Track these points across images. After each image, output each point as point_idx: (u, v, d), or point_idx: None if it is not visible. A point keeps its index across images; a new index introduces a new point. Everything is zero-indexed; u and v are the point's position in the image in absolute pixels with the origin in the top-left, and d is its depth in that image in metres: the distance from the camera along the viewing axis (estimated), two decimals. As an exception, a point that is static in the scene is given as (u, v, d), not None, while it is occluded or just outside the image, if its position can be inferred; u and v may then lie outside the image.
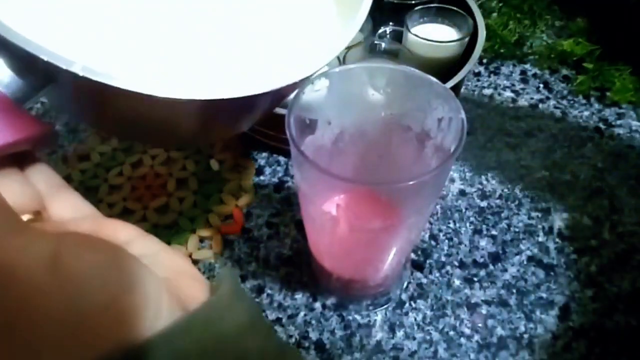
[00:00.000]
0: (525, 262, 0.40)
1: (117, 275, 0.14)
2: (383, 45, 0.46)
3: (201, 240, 0.41)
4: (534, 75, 0.56)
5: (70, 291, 0.12)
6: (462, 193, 0.45)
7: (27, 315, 0.12)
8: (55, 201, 0.19)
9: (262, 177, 0.46)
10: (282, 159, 0.47)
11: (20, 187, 0.18)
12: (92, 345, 0.13)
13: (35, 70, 0.16)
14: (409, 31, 0.47)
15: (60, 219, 0.19)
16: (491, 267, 0.39)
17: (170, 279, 0.17)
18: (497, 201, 0.44)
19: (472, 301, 0.37)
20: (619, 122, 0.50)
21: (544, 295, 0.38)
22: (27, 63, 0.16)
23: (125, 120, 0.20)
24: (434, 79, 0.26)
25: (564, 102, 0.53)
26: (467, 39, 0.46)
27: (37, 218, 0.18)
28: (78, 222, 0.18)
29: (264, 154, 0.48)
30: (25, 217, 0.18)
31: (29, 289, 0.12)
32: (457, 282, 0.38)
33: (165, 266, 0.17)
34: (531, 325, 0.36)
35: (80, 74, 0.15)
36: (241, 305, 0.18)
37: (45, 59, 0.14)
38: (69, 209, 0.19)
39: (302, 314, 0.37)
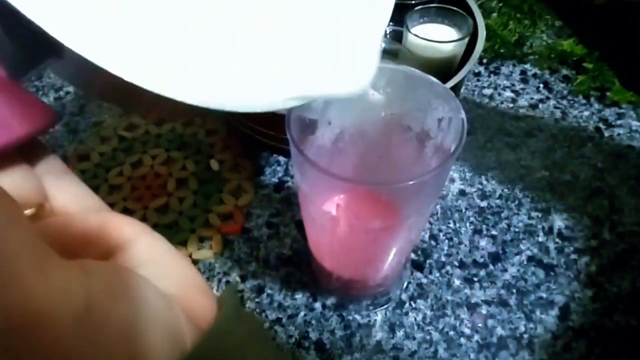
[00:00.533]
0: (525, 262, 0.40)
1: (146, 327, 0.13)
2: (383, 45, 0.46)
3: (201, 240, 0.41)
4: (534, 75, 0.56)
5: (98, 344, 0.12)
6: (462, 193, 0.45)
7: None
8: (58, 191, 0.18)
9: (262, 177, 0.46)
10: (282, 159, 0.47)
11: (23, 181, 0.17)
12: None
13: (38, 41, 0.16)
14: (409, 31, 0.47)
15: (64, 210, 0.18)
16: (491, 267, 0.39)
17: (181, 297, 0.17)
18: (497, 201, 0.44)
19: (472, 301, 0.37)
20: (619, 122, 0.50)
21: (544, 295, 0.38)
22: (29, 32, 0.15)
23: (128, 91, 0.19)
24: (434, 79, 0.26)
25: (564, 102, 0.53)
26: (467, 39, 0.46)
27: (39, 211, 0.18)
28: (84, 218, 0.17)
29: (264, 154, 0.48)
30: (28, 211, 0.17)
31: (56, 340, 0.11)
32: (457, 282, 0.38)
33: (174, 278, 0.17)
34: (531, 325, 0.36)
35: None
36: (243, 321, 0.18)
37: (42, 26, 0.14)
38: (73, 199, 0.19)
39: (302, 314, 0.37)
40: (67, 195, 0.18)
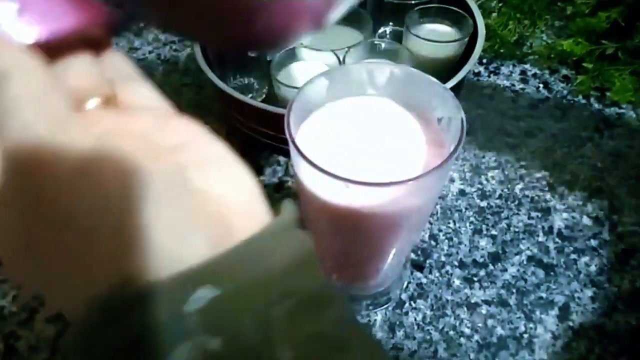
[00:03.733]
0: (525, 262, 0.40)
1: (139, 202, 0.13)
2: (383, 45, 0.46)
3: (201, 240, 0.41)
4: (534, 75, 0.56)
5: (96, 198, 0.13)
6: (462, 193, 0.45)
7: (57, 207, 0.12)
8: (126, 90, 0.18)
9: (262, 177, 0.46)
10: (282, 159, 0.47)
11: (87, 69, 0.16)
12: (94, 273, 0.12)
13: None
14: (409, 31, 0.47)
15: (131, 107, 0.18)
16: (491, 267, 0.39)
17: (222, 213, 0.15)
18: (497, 201, 0.44)
19: (472, 301, 0.37)
20: (619, 122, 0.50)
21: (544, 295, 0.38)
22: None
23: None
24: (434, 79, 0.26)
25: (564, 102, 0.53)
26: (467, 39, 0.46)
27: (107, 103, 0.17)
28: (142, 114, 0.17)
29: (264, 154, 0.48)
30: (94, 102, 0.17)
31: (58, 184, 0.13)
32: (457, 282, 0.38)
33: (221, 197, 0.16)
34: (531, 325, 0.36)
35: None
36: (295, 239, 0.16)
37: None
38: (141, 98, 0.18)
39: (302, 314, 0.37)
40: (134, 93, 0.18)
